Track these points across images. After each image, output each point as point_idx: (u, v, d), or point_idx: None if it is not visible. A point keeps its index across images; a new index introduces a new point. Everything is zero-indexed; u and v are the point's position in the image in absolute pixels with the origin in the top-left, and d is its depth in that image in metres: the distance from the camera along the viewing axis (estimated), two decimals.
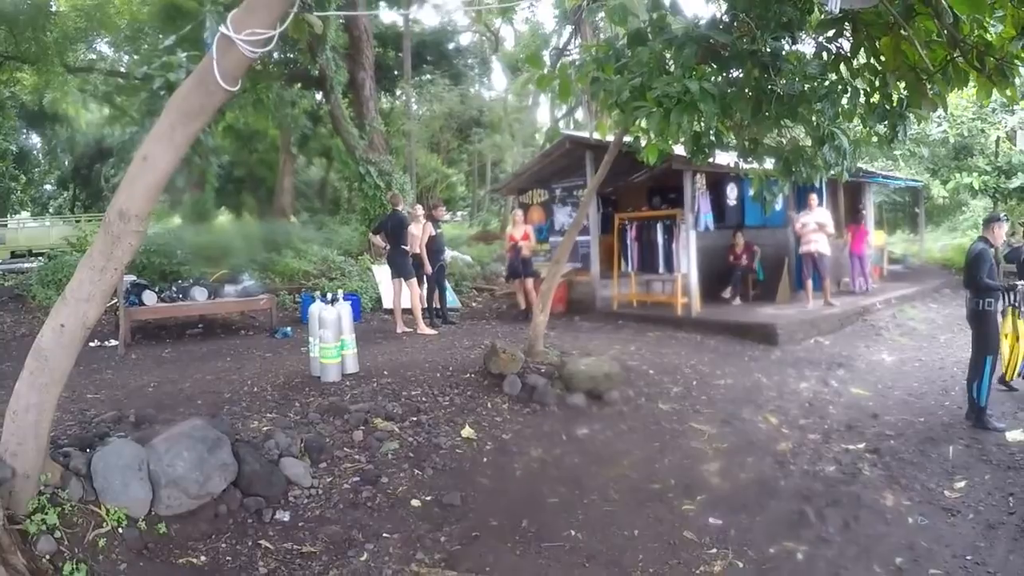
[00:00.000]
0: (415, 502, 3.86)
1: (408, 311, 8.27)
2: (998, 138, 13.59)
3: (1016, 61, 3.42)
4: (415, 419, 4.80)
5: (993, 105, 12.49)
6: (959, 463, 4.65)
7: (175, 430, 3.60)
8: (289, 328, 8.57)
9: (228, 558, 3.16)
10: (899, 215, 21.26)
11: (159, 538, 3.15)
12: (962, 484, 4.30)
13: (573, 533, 3.71)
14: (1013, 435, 5.10)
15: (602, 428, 5.15)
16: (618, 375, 5.78)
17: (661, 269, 9.55)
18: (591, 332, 8.45)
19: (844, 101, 4.30)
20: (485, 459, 4.48)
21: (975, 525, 3.79)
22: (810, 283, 9.52)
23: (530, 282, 9.23)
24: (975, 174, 13.42)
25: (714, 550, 3.59)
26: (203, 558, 3.11)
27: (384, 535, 3.50)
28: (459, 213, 25.41)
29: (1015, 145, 14.83)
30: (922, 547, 3.54)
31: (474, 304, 11.17)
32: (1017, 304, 5.65)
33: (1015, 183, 13.05)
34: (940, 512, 3.96)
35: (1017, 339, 5.70)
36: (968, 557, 3.44)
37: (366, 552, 3.33)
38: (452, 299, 9.99)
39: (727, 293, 9.95)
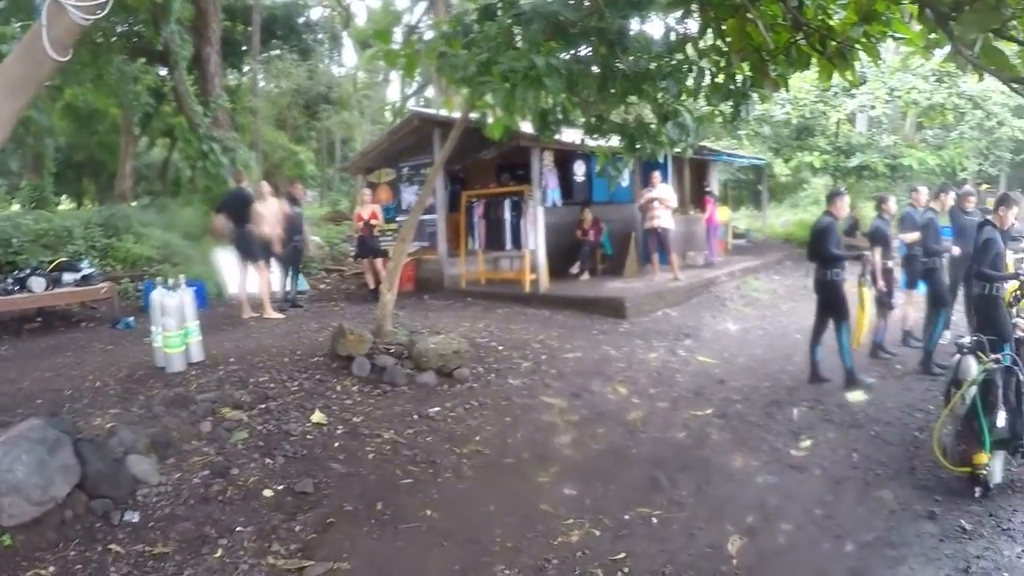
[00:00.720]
0: (267, 492, 4.49)
1: (255, 295, 9.69)
2: (839, 120, 17.63)
3: (856, 46, 4.53)
4: (264, 406, 5.64)
5: (835, 89, 16.22)
6: (804, 424, 6.06)
7: (12, 433, 4.08)
8: (132, 318, 9.93)
9: (78, 567, 3.63)
10: (742, 192, 26.67)
11: (3, 551, 3.63)
12: (807, 443, 5.63)
13: (429, 513, 4.43)
14: (853, 396, 6.74)
15: (453, 406, 6.14)
16: (468, 352, 6.97)
17: (509, 246, 11.44)
18: (440, 310, 10.13)
19: (689, 80, 5.45)
20: (337, 444, 5.25)
21: (822, 481, 4.98)
22: (656, 257, 11.82)
23: (379, 262, 11.15)
24: (816, 153, 17.23)
25: (571, 520, 4.37)
26: (51, 568, 3.59)
27: (238, 529, 4.08)
28: (309, 193, 28.18)
29: (854, 127, 19.46)
30: (772, 505, 4.60)
31: (323, 286, 13.17)
32: (864, 274, 7.49)
33: (854, 162, 16.96)
34: (788, 470, 5.15)
35: (863, 308, 7.51)
36: (817, 511, 4.51)
37: (220, 548, 3.89)
38: (302, 282, 11.78)
39: (575, 268, 12.21)
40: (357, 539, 4.13)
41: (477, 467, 5.14)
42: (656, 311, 10.48)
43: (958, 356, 5.16)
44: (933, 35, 4.26)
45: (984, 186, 17.80)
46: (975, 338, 5.29)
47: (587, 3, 5.11)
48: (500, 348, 7.80)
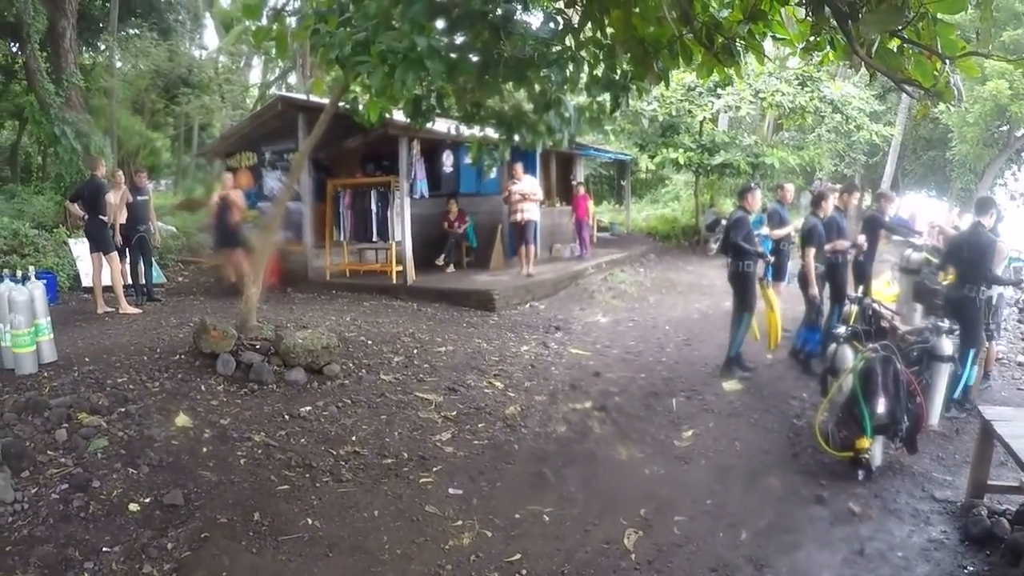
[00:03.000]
0: (134, 506, 4.24)
1: (109, 288, 9.48)
2: (704, 118, 18.74)
3: (742, 42, 4.74)
4: (123, 410, 5.34)
5: (700, 89, 17.44)
6: (683, 414, 6.32)
7: None
8: None
9: None
10: (603, 187, 28.22)
11: None
12: (690, 433, 5.86)
13: (310, 521, 4.29)
14: (728, 384, 7.13)
15: (325, 404, 6.01)
16: (337, 347, 6.88)
17: (375, 237, 11.53)
18: (305, 304, 10.09)
19: (570, 69, 5.59)
20: (205, 449, 5.02)
21: (708, 470, 5.21)
22: (523, 250, 12.03)
23: (239, 253, 10.75)
24: (681, 150, 18.27)
25: (459, 522, 4.33)
26: None
27: (104, 549, 3.83)
28: (163, 181, 28.49)
29: (717, 126, 21.02)
30: (663, 496, 4.75)
31: (180, 278, 13.01)
32: (764, 276, 7.97)
33: (717, 160, 18.15)
34: (674, 461, 5.34)
35: (772, 309, 8.06)
36: (708, 501, 4.70)
37: (86, 573, 3.66)
38: (157, 274, 11.65)
39: (441, 260, 12.37)
40: (235, 554, 3.94)
41: (356, 469, 5.01)
42: (524, 304, 10.84)
43: (834, 346, 5.52)
44: (813, 38, 4.52)
45: (838, 185, 19.49)
46: (851, 329, 5.71)
47: None
48: (370, 342, 7.75)
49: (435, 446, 5.46)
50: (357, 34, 4.96)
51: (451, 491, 4.77)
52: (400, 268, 11.20)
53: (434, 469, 5.07)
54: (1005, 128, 22.21)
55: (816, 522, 4.45)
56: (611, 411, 6.39)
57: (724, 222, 17.46)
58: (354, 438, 5.48)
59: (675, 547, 4.17)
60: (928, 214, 17.74)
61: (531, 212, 11.89)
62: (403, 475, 4.96)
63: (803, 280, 7.72)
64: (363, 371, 6.85)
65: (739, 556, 4.06)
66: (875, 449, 5.02)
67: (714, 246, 17.32)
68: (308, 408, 5.90)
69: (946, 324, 5.76)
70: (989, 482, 4.61)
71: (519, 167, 11.94)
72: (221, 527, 4.16)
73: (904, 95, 22.02)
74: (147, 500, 4.33)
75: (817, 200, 7.89)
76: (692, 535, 4.30)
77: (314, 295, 10.92)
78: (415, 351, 7.65)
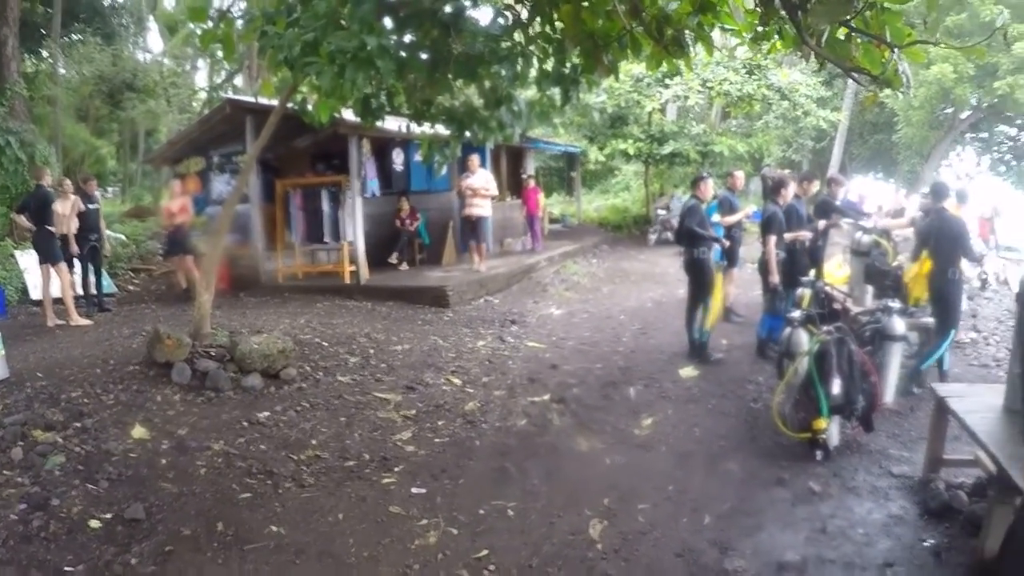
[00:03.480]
0: (94, 523, 4.19)
1: (59, 301, 9.40)
2: (652, 109, 19.18)
3: (691, 33, 4.90)
4: (79, 425, 5.32)
5: (648, 80, 17.86)
6: (642, 402, 6.45)
7: None
8: None
9: None
10: (554, 179, 28.63)
11: None
12: (649, 421, 5.99)
13: (275, 529, 4.28)
14: (685, 371, 7.30)
15: (284, 409, 6.03)
16: (293, 351, 6.92)
17: (327, 238, 11.54)
18: (258, 308, 10.10)
19: (520, 64, 5.66)
20: (164, 460, 5.01)
21: (669, 457, 5.33)
22: (474, 245, 12.24)
23: (190, 259, 10.93)
24: (630, 141, 18.74)
25: (425, 521, 4.36)
26: None
27: (67, 569, 3.79)
28: (110, 189, 27.90)
29: (665, 116, 21.50)
30: (625, 485, 4.84)
31: (131, 287, 12.93)
32: (720, 260, 8.11)
33: (666, 150, 18.65)
34: (634, 450, 5.45)
35: (716, 293, 8.07)
36: (670, 488, 4.80)
37: None
38: (108, 284, 11.43)
39: (394, 258, 12.46)
40: (202, 566, 3.93)
41: (318, 474, 5.02)
42: (478, 299, 10.98)
43: (789, 330, 5.69)
44: (761, 28, 4.66)
45: (787, 171, 19.96)
46: (805, 312, 5.89)
47: None
48: (325, 344, 7.79)
49: (396, 446, 5.50)
50: (306, 35, 4.97)
51: (414, 490, 4.79)
52: (353, 268, 11.25)
53: (396, 469, 5.10)
54: (950, 111, 23.05)
55: (777, 503, 4.59)
56: (570, 403, 6.49)
57: (663, 212, 18.03)
58: (314, 442, 5.48)
59: (640, 535, 4.26)
60: (876, 197, 18.48)
61: (483, 207, 12.00)
62: (366, 477, 4.98)
63: (764, 268, 7.90)
64: (320, 374, 6.88)
65: (703, 540, 4.17)
66: (832, 429, 5.18)
67: (653, 236, 17.83)
68: (266, 414, 5.89)
69: (897, 304, 5.98)
70: (945, 457, 4.79)
71: (475, 158, 12.04)
72: (185, 540, 4.14)
73: (850, 81, 22.80)
74: (108, 516, 4.28)
75: (776, 188, 8.01)
76: (656, 522, 4.40)
77: (267, 298, 10.89)
78: (371, 351, 7.69)
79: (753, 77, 17.67)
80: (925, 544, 4.10)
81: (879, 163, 29.98)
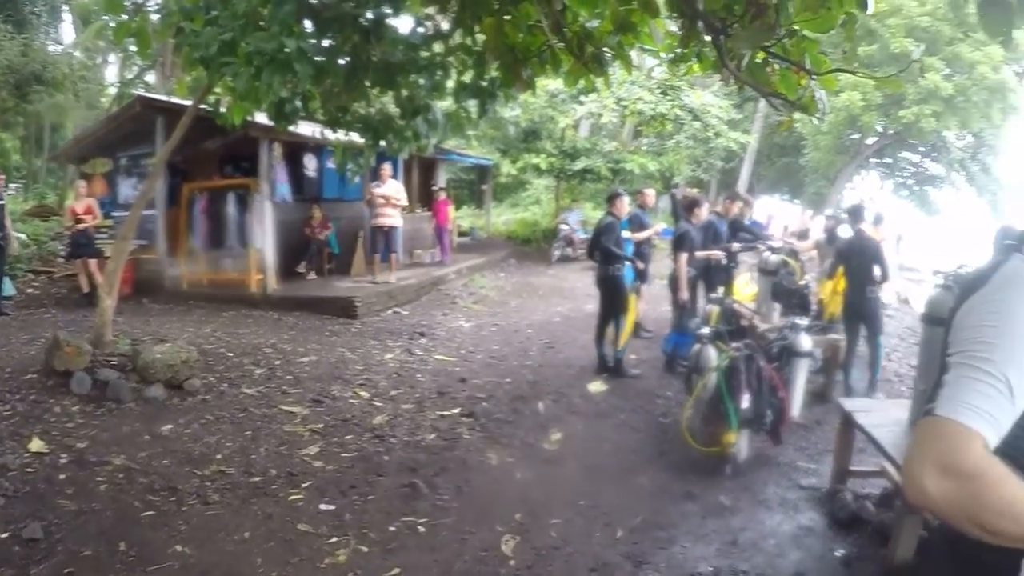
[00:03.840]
0: None
1: None
2: (566, 125, 19.67)
3: (609, 52, 5.04)
4: None
5: (564, 96, 18.38)
6: (551, 417, 6.54)
7: None
8: None
9: None
10: (464, 191, 28.74)
11: None
12: (559, 436, 6.07)
13: (179, 548, 4.13)
14: (594, 386, 7.43)
15: (188, 422, 5.90)
16: (197, 361, 6.81)
17: (234, 243, 11.35)
18: (162, 315, 10.04)
19: (439, 75, 5.73)
20: (63, 476, 4.83)
21: (579, 472, 5.41)
22: (393, 256, 12.29)
23: (93, 263, 10.91)
24: (543, 156, 19.08)
25: (334, 539, 4.29)
26: None
27: None
28: (12, 185, 26.39)
29: (578, 132, 21.91)
30: (537, 500, 4.88)
31: (30, 290, 12.37)
32: (635, 281, 8.25)
33: (578, 166, 19.08)
34: (544, 464, 5.52)
35: (630, 312, 8.25)
36: (581, 502, 4.86)
37: None
38: (7, 286, 11.08)
39: (303, 267, 12.36)
40: None
41: (223, 490, 4.88)
42: (387, 310, 11.01)
43: (698, 346, 5.89)
44: (680, 50, 4.85)
45: (695, 190, 20.66)
46: (714, 329, 6.11)
47: None
48: (230, 355, 7.71)
49: (303, 461, 5.41)
50: (224, 34, 4.89)
51: (323, 507, 4.71)
52: (260, 276, 11.10)
53: (304, 485, 5.01)
54: (856, 136, 24.31)
55: (689, 516, 4.70)
56: (479, 417, 6.51)
57: (565, 227, 18.27)
58: (219, 456, 5.35)
59: (553, 550, 4.29)
60: (783, 217, 19.34)
61: (394, 217, 11.98)
62: (272, 493, 4.87)
63: (674, 284, 8.14)
64: (225, 385, 6.77)
65: (616, 554, 4.23)
66: (741, 443, 5.35)
67: (556, 252, 17.92)
68: (170, 427, 5.76)
69: (804, 322, 6.27)
70: (851, 468, 5.02)
71: (387, 167, 12.00)
72: (86, 560, 3.98)
73: (760, 104, 23.88)
74: (4, 535, 4.13)
75: (690, 207, 8.31)
76: (569, 537, 4.44)
77: (171, 306, 10.72)
78: (277, 362, 7.62)
79: (667, 97, 18.23)
80: (835, 554, 4.28)
81: (785, 184, 31.43)
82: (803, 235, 13.83)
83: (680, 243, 8.02)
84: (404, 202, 12.49)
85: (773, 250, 7.73)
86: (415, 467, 5.41)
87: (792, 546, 4.37)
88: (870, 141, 24.86)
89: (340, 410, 6.51)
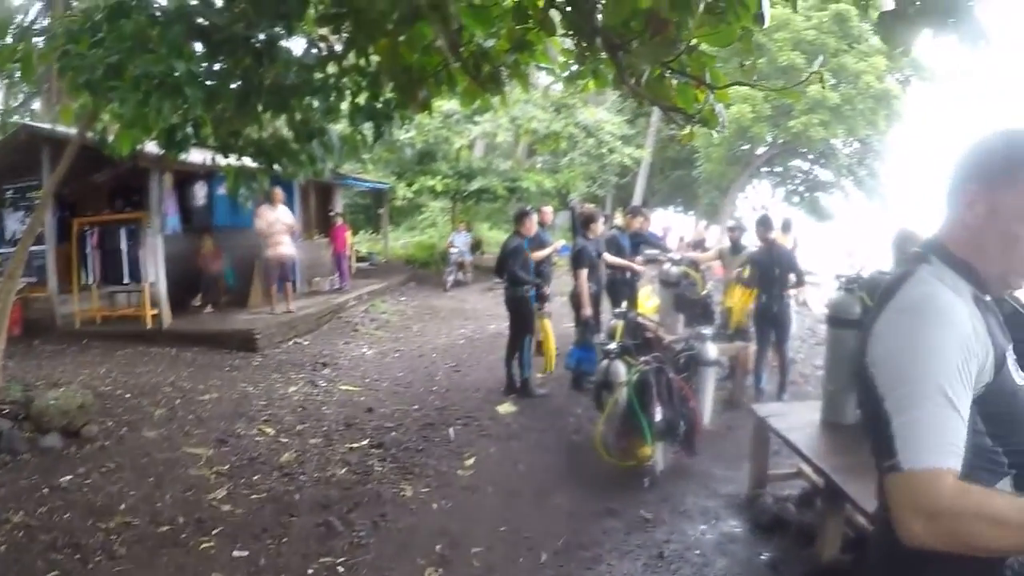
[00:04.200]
0: None
1: None
2: (461, 146, 19.85)
3: (506, 72, 5.10)
4: None
5: (458, 116, 18.47)
6: (463, 442, 6.51)
7: None
8: None
9: None
10: (361, 216, 28.34)
11: None
12: (472, 461, 6.04)
13: None
14: (503, 408, 7.45)
15: (88, 471, 5.66)
16: (93, 405, 6.69)
17: (127, 279, 11.04)
18: (55, 357, 9.57)
19: (334, 97, 5.66)
20: None
21: (497, 497, 5.38)
22: (288, 286, 12.11)
23: None
24: (438, 177, 19.11)
25: None
26: None
27: None
28: None
29: (473, 152, 22.18)
30: (456, 530, 4.83)
31: None
32: (542, 307, 8.38)
33: (474, 186, 19.18)
34: (460, 492, 5.46)
35: (547, 335, 8.52)
36: (502, 528, 4.84)
37: None
38: None
39: (198, 300, 12.06)
40: None
41: (130, 543, 4.65)
42: (287, 341, 10.82)
43: (606, 361, 5.98)
44: (577, 67, 4.96)
45: (591, 205, 21.14)
46: (621, 343, 6.22)
47: (235, 9, 5.04)
48: (128, 396, 7.50)
49: (211, 506, 5.21)
50: (110, 57, 4.70)
51: (236, 554, 4.54)
52: (155, 311, 10.78)
53: (214, 532, 4.82)
54: (747, 147, 25.32)
55: (612, 533, 4.74)
56: (389, 447, 6.43)
57: (454, 250, 18.20)
58: (123, 507, 5.13)
59: None
60: (678, 229, 19.95)
61: (288, 245, 11.80)
62: (182, 543, 4.67)
63: (575, 300, 8.25)
64: (124, 429, 6.55)
65: None
66: (657, 455, 5.45)
67: (449, 279, 17.76)
68: (69, 477, 5.51)
69: (709, 331, 6.46)
70: (769, 472, 5.18)
71: (279, 190, 11.79)
72: None
73: (653, 119, 24.65)
74: None
75: (586, 222, 8.38)
76: (493, 565, 4.42)
77: (64, 346, 10.21)
78: (178, 402, 7.42)
79: (561, 115, 18.61)
80: (762, 558, 4.39)
81: (679, 196, 32.41)
82: (699, 245, 14.32)
83: (578, 259, 8.14)
84: (296, 229, 12.42)
85: (674, 262, 7.94)
86: (328, 504, 5.28)
87: (718, 554, 4.45)
88: (761, 151, 25.89)
89: (246, 449, 6.33)
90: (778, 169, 29.52)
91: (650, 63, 3.69)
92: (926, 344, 1.42)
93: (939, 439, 1.34)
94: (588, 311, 8.10)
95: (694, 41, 3.52)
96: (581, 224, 8.55)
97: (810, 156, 27.49)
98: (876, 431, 1.45)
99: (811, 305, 12.24)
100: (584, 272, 8.04)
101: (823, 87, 18.92)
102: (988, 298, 1.60)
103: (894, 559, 1.56)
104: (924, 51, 21.97)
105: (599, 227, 8.39)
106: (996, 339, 1.52)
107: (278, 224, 11.67)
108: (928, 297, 1.49)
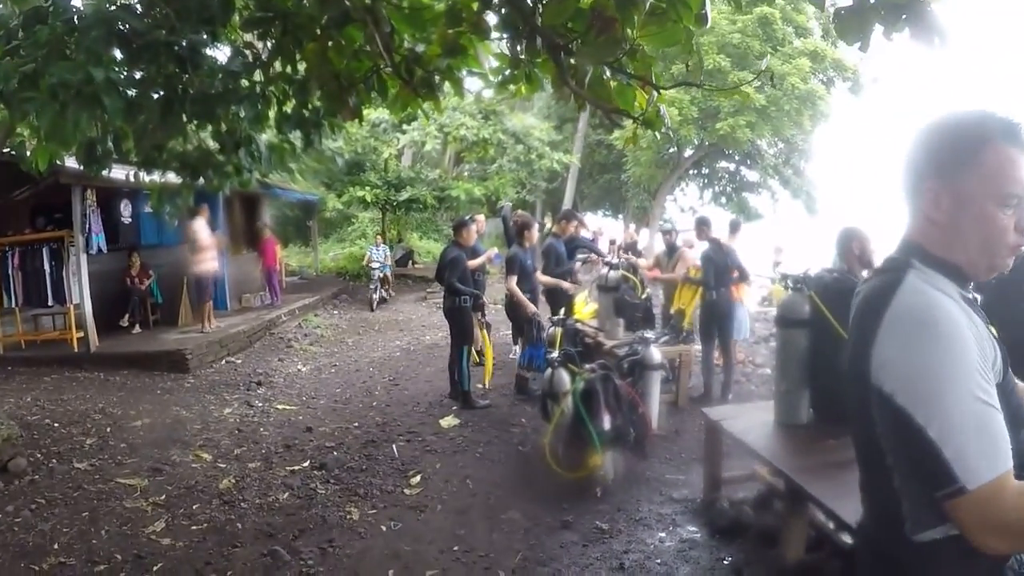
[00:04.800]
0: None
1: None
2: (389, 155, 19.68)
3: (439, 77, 4.90)
4: None
5: (385, 126, 18.38)
6: (407, 459, 6.31)
7: None
8: None
9: None
10: (290, 229, 27.99)
11: None
12: (418, 479, 5.85)
13: None
14: (446, 421, 7.29)
15: (16, 509, 5.35)
16: (20, 437, 6.53)
17: (51, 301, 10.51)
18: None
19: (261, 105, 5.42)
20: None
21: (447, 515, 5.19)
22: (210, 304, 11.66)
23: None
24: (368, 188, 18.97)
25: None
26: None
27: None
28: None
29: (401, 162, 21.96)
30: (407, 552, 4.66)
31: None
32: (482, 317, 8.40)
33: (403, 196, 19.04)
34: (408, 512, 5.27)
35: (486, 344, 8.52)
36: (455, 548, 4.67)
37: None
38: None
39: (126, 321, 11.60)
40: None
41: None
42: (219, 361, 10.51)
43: (550, 370, 5.88)
44: (510, 72, 4.84)
45: (524, 212, 21.18)
46: (564, 352, 6.13)
47: (157, 14, 4.78)
48: (56, 425, 7.17)
49: (150, 540, 4.94)
50: (25, 65, 4.41)
51: None
52: (81, 334, 10.36)
53: (155, 568, 4.55)
54: (674, 150, 25.67)
55: (569, 547, 4.62)
56: (332, 468, 6.20)
57: (375, 266, 17.69)
58: (56, 546, 4.82)
59: None
60: (608, 233, 20.10)
61: (214, 261, 11.57)
62: None
63: (511, 307, 8.16)
64: (54, 461, 6.23)
65: None
66: (607, 464, 5.36)
67: (375, 297, 16.87)
68: None
69: (652, 335, 6.42)
70: (724, 475, 5.12)
71: (206, 207, 11.59)
72: None
73: (581, 124, 24.79)
74: None
75: (521, 230, 8.33)
76: None
77: None
78: (109, 430, 7.10)
79: (489, 122, 18.55)
80: (725, 563, 4.32)
81: (608, 201, 32.71)
82: (631, 248, 14.40)
83: (510, 266, 8.14)
84: (220, 244, 12.25)
85: (612, 267, 7.91)
86: (272, 532, 5.04)
87: (680, 562, 4.38)
88: (688, 153, 26.33)
89: (182, 477, 6.05)
90: (705, 171, 30.06)
91: (595, 63, 3.59)
92: (947, 354, 1.37)
93: (991, 446, 1.32)
94: (531, 308, 8.06)
95: (638, 42, 3.42)
96: (516, 232, 8.47)
97: (736, 157, 28.06)
98: (906, 446, 1.41)
99: (745, 303, 12.45)
100: (514, 279, 8.01)
101: (773, 85, 19.29)
102: (972, 295, 1.57)
103: (891, 562, 1.53)
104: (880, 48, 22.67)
105: (534, 234, 8.33)
106: (995, 339, 1.50)
107: (207, 239, 11.46)
108: (930, 306, 1.44)
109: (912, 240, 1.57)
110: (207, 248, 11.45)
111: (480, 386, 8.35)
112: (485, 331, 8.50)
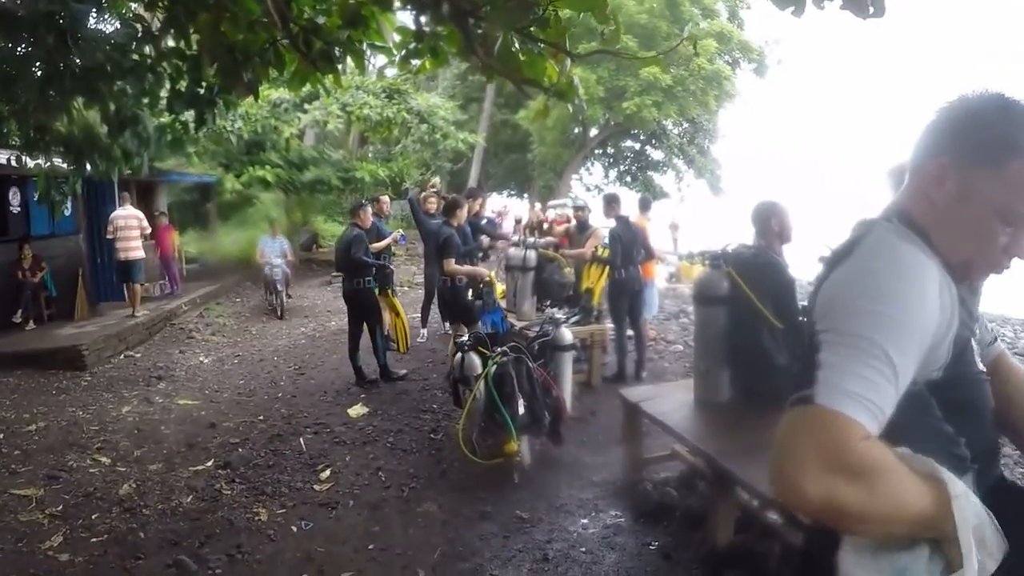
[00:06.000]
0: None
1: None
2: (290, 135, 19.02)
3: (339, 49, 4.67)
4: None
5: (286, 105, 17.72)
6: (316, 453, 6.04)
7: None
8: None
9: None
10: (188, 213, 27.09)
11: None
12: (328, 473, 5.59)
13: None
14: (354, 410, 7.04)
15: None
16: None
17: None
18: None
19: (150, 81, 5.04)
20: None
21: (360, 511, 4.96)
22: (132, 287, 11.55)
23: None
24: (268, 168, 18.41)
25: None
26: None
27: None
28: None
29: (303, 142, 21.32)
30: (321, 553, 4.43)
31: None
32: (391, 285, 8.36)
33: (307, 176, 18.65)
34: (320, 510, 5.02)
35: (397, 314, 8.56)
36: (371, 547, 4.46)
37: None
38: None
39: (18, 317, 10.94)
40: None
41: None
42: (118, 355, 10.06)
43: (460, 355, 5.66)
44: (414, 45, 4.57)
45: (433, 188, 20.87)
46: (473, 335, 5.92)
47: None
48: None
49: (48, 557, 4.54)
50: None
51: None
52: None
53: None
54: (580, 130, 25.70)
55: (490, 539, 4.45)
56: (237, 466, 5.87)
57: (275, 265, 16.92)
58: None
59: None
60: (513, 213, 19.96)
61: (139, 248, 11.51)
62: None
63: (449, 292, 7.97)
64: None
65: None
66: (524, 449, 5.21)
67: (278, 302, 13.96)
68: None
69: (562, 315, 6.27)
70: (644, 456, 5.06)
71: (128, 195, 11.34)
72: None
73: (486, 103, 24.51)
74: None
75: (450, 209, 7.91)
76: None
77: None
78: (1, 436, 6.71)
79: (393, 101, 18.15)
80: (651, 547, 4.22)
81: (513, 180, 32.63)
82: (538, 227, 14.29)
83: (447, 248, 7.44)
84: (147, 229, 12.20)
85: (527, 246, 7.74)
86: (177, 540, 4.72)
87: (606, 548, 4.26)
88: (594, 133, 26.42)
89: (80, 484, 5.65)
90: (611, 151, 30.30)
91: (505, 29, 3.35)
92: (886, 294, 1.19)
93: (870, 394, 1.12)
94: (484, 271, 7.78)
95: (553, 7, 3.20)
96: (445, 211, 8.16)
97: (642, 137, 28.36)
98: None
99: (655, 281, 12.59)
100: (451, 260, 7.47)
101: (696, 54, 19.39)
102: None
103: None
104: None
105: (463, 213, 8.04)
106: (964, 317, 1.31)
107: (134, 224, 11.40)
108: (893, 247, 1.27)
109: (901, 206, 1.39)
110: (134, 234, 11.39)
111: (397, 353, 8.36)
112: (396, 299, 8.55)
